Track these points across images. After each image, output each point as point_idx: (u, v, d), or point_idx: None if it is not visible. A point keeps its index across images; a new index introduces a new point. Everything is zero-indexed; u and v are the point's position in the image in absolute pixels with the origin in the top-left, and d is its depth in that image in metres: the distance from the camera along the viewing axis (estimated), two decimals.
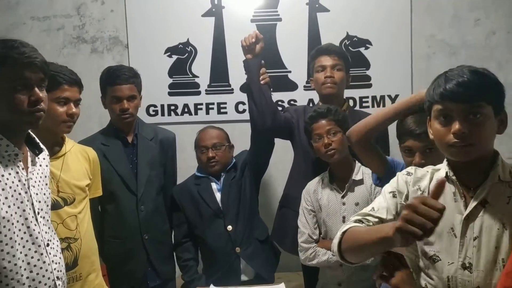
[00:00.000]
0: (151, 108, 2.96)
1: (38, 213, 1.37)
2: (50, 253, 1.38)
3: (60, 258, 1.43)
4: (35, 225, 1.35)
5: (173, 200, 2.33)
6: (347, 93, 2.86)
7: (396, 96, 2.93)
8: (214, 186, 2.29)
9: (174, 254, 2.34)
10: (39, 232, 1.36)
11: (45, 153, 1.50)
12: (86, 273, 1.85)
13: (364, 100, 2.95)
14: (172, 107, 2.98)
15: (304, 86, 2.94)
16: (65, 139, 1.88)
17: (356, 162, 2.06)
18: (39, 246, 1.35)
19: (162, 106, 2.98)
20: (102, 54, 2.96)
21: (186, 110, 2.99)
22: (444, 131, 1.19)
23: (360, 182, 2.01)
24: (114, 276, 2.17)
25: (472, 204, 1.19)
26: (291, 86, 2.97)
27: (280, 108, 2.66)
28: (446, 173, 1.25)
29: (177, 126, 2.88)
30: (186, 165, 2.59)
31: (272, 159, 2.42)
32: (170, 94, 2.98)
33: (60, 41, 2.92)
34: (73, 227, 1.78)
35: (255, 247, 2.24)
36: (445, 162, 1.29)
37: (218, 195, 2.27)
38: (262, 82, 2.21)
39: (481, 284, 1.17)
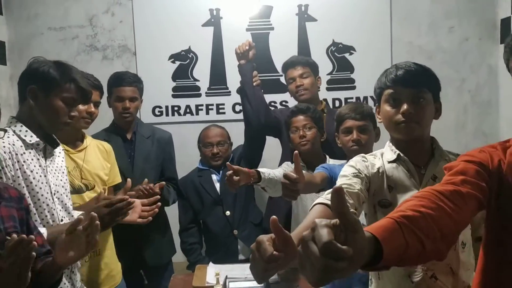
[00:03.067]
0: (157, 109, 3.24)
1: (54, 193, 1.68)
2: None
3: None
4: (52, 203, 1.66)
5: (179, 191, 2.63)
6: (334, 94, 3.21)
7: None
8: (214, 177, 2.61)
9: (180, 238, 2.64)
10: (54, 209, 1.67)
11: (60, 149, 1.82)
12: (102, 249, 2.14)
13: (349, 100, 3.19)
14: (176, 108, 3.26)
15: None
16: (85, 136, 2.19)
17: (327, 156, 2.31)
18: (54, 221, 1.65)
19: (167, 107, 3.26)
20: (112, 60, 3.22)
21: (188, 110, 3.27)
22: (393, 112, 1.39)
23: None
24: (122, 256, 2.37)
25: (427, 178, 1.39)
26: (282, 88, 3.18)
27: (272, 108, 2.96)
28: (398, 154, 1.43)
29: (180, 125, 3.18)
30: (189, 159, 2.86)
31: (266, 156, 2.71)
32: (173, 96, 3.26)
33: (75, 49, 3.20)
34: None
35: (250, 229, 2.55)
36: (388, 147, 1.48)
37: (217, 185, 2.59)
38: (254, 84, 2.52)
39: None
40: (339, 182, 1.38)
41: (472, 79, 3.29)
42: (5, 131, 1.58)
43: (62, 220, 1.69)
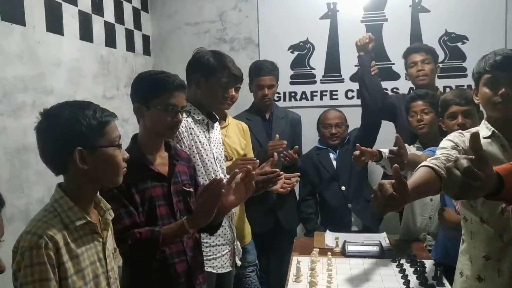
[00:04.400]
0: (276, 95, 3.46)
1: (216, 158, 2.08)
2: None
3: None
4: (215, 165, 2.07)
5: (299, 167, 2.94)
6: (445, 82, 3.29)
7: None
8: (331, 155, 2.90)
9: (299, 208, 2.95)
10: (216, 170, 2.06)
11: (217, 123, 2.22)
12: (237, 211, 2.43)
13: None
14: (293, 94, 3.58)
15: (405, 77, 3.35)
16: (227, 116, 2.60)
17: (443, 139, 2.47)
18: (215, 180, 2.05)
19: (285, 93, 3.58)
20: (238, 51, 3.60)
21: (304, 96, 3.57)
22: (492, 94, 1.54)
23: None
24: (251, 222, 2.72)
25: None
26: (395, 76, 3.42)
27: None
28: (493, 131, 1.55)
29: (296, 109, 3.40)
30: (304, 140, 3.12)
31: (380, 138, 2.88)
32: (291, 83, 3.56)
33: (207, 42, 3.62)
34: None
35: (364, 204, 2.80)
36: (483, 124, 1.61)
37: (334, 163, 2.88)
38: (372, 73, 2.75)
39: None
40: (438, 153, 1.53)
41: None
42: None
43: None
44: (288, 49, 3.56)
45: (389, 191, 1.16)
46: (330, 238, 2.51)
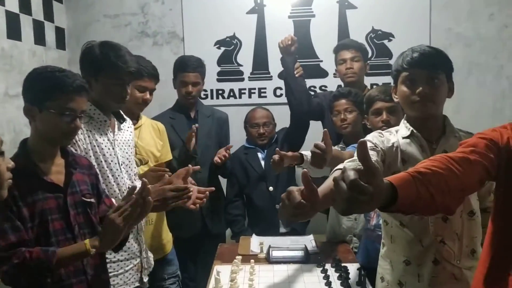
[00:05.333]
0: (202, 93, 3.36)
1: (121, 164, 1.88)
2: None
3: None
4: (120, 172, 1.87)
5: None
6: (372, 80, 3.27)
7: None
8: (259, 155, 2.81)
9: (225, 210, 2.83)
10: (122, 178, 1.87)
11: (129, 123, 2.03)
12: (155, 219, 2.33)
13: None
14: (220, 92, 3.44)
15: (334, 74, 3.26)
16: (140, 115, 2.40)
17: None
18: (120, 189, 1.85)
19: (212, 90, 3.43)
20: (162, 46, 3.41)
21: (231, 94, 3.44)
22: (410, 92, 1.50)
23: None
24: (176, 227, 2.57)
25: (438, 153, 1.42)
26: (322, 73, 3.38)
27: (312, 93, 3.11)
28: (412, 131, 1.52)
29: (224, 108, 3.26)
30: (232, 139, 2.98)
31: (309, 138, 2.81)
32: (218, 80, 3.43)
33: (127, 36, 3.41)
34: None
35: None
36: (403, 124, 1.57)
37: (262, 162, 2.79)
38: (297, 75, 2.66)
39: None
40: (355, 153, 1.45)
41: (510, 66, 3.33)
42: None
43: (127, 188, 1.90)
44: (215, 45, 3.43)
45: (297, 199, 1.05)
46: (255, 243, 2.40)
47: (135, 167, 2.01)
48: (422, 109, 1.52)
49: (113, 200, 1.76)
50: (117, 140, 1.90)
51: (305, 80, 2.77)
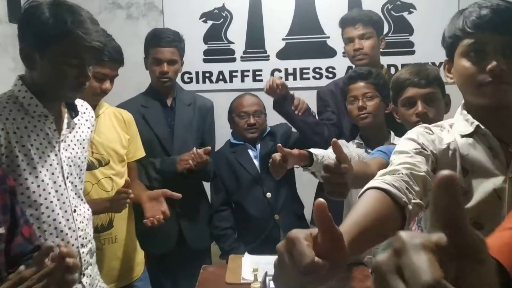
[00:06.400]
0: (186, 75, 2.98)
1: (67, 177, 1.36)
2: (76, 220, 1.37)
3: (87, 225, 1.43)
4: (64, 189, 1.34)
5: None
6: (389, 60, 2.83)
7: (441, 63, 2.81)
8: (251, 153, 2.29)
9: (211, 222, 2.33)
10: (66, 197, 1.35)
11: (88, 116, 1.50)
12: (122, 236, 1.88)
13: None
14: (207, 74, 3.02)
15: (343, 53, 2.84)
16: (97, 104, 1.89)
17: (392, 133, 1.97)
18: (66, 211, 1.35)
19: (197, 73, 3.02)
20: (137, 20, 2.98)
21: (221, 77, 3.02)
22: (475, 69, 1.04)
23: None
24: (147, 242, 2.14)
25: None
26: (330, 52, 2.93)
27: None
28: (477, 126, 1.07)
29: (212, 93, 2.83)
30: (221, 132, 2.54)
31: None
32: (205, 61, 3.01)
33: (96, 7, 2.90)
34: (109, 188, 1.82)
35: (293, 220, 2.22)
36: (460, 116, 1.13)
37: (256, 162, 2.27)
38: (300, 113, 2.14)
39: None
40: (395, 160, 1.03)
41: None
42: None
43: (75, 211, 1.38)
44: (200, 18, 2.97)
45: (308, 257, 0.56)
46: (248, 266, 1.90)
47: (82, 181, 1.48)
48: (495, 94, 1.02)
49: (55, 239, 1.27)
50: (64, 143, 1.37)
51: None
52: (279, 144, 1.43)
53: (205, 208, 2.37)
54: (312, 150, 1.47)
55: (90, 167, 1.75)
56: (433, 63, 2.81)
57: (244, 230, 2.32)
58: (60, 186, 1.33)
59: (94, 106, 1.88)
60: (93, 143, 1.79)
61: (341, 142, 1.97)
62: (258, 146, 2.29)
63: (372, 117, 1.91)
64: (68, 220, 1.35)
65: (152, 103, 2.26)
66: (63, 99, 1.38)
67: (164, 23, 2.93)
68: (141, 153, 2.05)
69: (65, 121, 1.38)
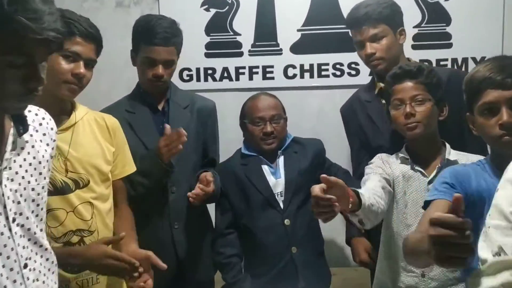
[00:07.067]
0: (185, 72, 2.70)
1: (14, 219, 0.98)
2: (28, 278, 1.00)
3: (45, 283, 1.06)
4: (8, 237, 0.96)
5: None
6: (422, 54, 2.56)
7: (483, 58, 2.51)
8: (266, 168, 1.91)
9: (214, 247, 2.00)
10: (12, 249, 0.97)
11: (45, 128, 1.11)
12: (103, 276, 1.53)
13: (442, 63, 2.56)
14: (210, 71, 2.74)
15: None
16: (75, 107, 1.54)
17: (447, 145, 1.65)
18: (11, 269, 0.97)
19: (198, 70, 2.73)
20: (128, 8, 2.72)
21: (225, 74, 2.74)
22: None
23: (455, 163, 1.56)
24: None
25: None
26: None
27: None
28: None
29: (215, 93, 2.59)
30: (227, 138, 2.25)
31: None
32: (207, 55, 2.73)
33: None
34: (88, 217, 1.49)
35: (312, 257, 1.90)
36: None
37: (272, 179, 1.90)
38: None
39: None
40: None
41: None
42: None
43: (26, 266, 1.00)
44: (202, 5, 2.69)
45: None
46: None
47: (43, 221, 1.10)
48: None
49: None
50: (9, 171, 1.00)
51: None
52: (323, 175, 1.07)
53: (208, 232, 2.04)
54: (360, 190, 1.25)
55: (64, 190, 1.44)
56: (473, 58, 2.54)
57: (252, 259, 1.96)
58: (2, 234, 0.94)
59: (70, 107, 1.52)
60: (68, 160, 1.45)
61: (381, 157, 1.66)
62: (279, 160, 1.94)
63: (422, 127, 1.57)
64: (15, 281, 0.96)
65: (139, 108, 1.93)
66: (7, 112, 0.99)
67: (160, 12, 2.61)
68: (130, 168, 1.70)
69: (9, 140, 0.99)
